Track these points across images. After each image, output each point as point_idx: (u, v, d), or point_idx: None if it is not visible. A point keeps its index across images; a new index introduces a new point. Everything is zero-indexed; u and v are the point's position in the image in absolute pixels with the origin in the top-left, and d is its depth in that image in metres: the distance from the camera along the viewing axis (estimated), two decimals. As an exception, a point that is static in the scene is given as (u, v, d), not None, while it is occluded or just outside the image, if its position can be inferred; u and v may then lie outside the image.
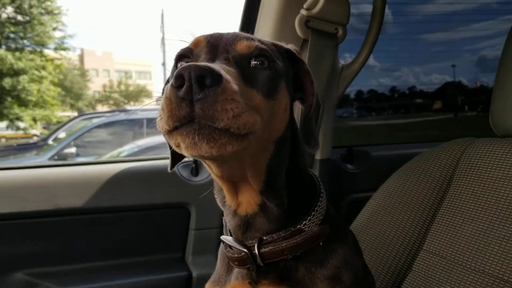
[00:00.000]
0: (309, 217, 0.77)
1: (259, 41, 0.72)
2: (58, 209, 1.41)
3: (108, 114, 8.47)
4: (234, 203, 0.78)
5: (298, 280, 0.76)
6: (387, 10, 1.40)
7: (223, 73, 0.59)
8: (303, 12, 1.28)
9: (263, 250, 0.76)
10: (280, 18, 1.31)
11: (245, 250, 0.76)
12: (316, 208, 0.79)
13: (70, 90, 26.15)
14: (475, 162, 1.17)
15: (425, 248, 1.18)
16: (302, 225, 0.77)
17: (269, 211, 0.76)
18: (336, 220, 0.84)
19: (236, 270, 0.81)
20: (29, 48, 13.64)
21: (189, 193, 1.51)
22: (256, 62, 0.69)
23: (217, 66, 0.61)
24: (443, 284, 1.07)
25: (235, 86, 0.60)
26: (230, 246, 0.80)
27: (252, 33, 1.42)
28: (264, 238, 0.76)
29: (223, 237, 0.82)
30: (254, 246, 0.76)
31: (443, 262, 1.10)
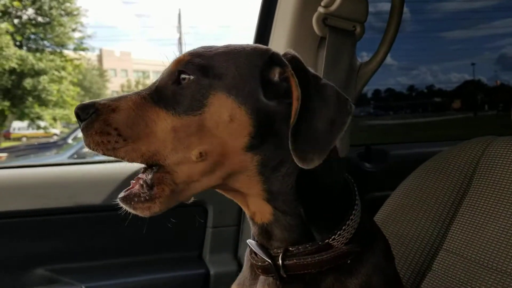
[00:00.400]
0: (339, 232, 0.73)
1: (198, 54, 0.71)
2: (78, 206, 1.43)
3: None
4: (249, 212, 0.78)
5: None
6: (404, 8, 1.38)
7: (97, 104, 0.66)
8: (320, 9, 1.27)
9: (287, 262, 0.73)
10: (297, 16, 1.31)
11: (269, 261, 0.74)
12: (347, 222, 0.74)
13: (89, 90, 26.49)
14: (496, 161, 1.15)
15: (445, 247, 1.16)
16: (330, 239, 0.72)
17: (283, 221, 0.74)
18: (370, 228, 0.80)
19: (262, 277, 0.78)
20: (49, 49, 13.86)
21: (206, 191, 1.52)
22: (177, 79, 0.70)
23: (102, 99, 0.68)
24: (463, 284, 1.06)
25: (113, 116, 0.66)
26: (255, 253, 0.78)
27: (269, 31, 1.42)
28: (290, 249, 0.73)
29: (248, 241, 0.80)
30: (278, 256, 0.74)
31: (463, 261, 1.09)
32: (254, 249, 0.77)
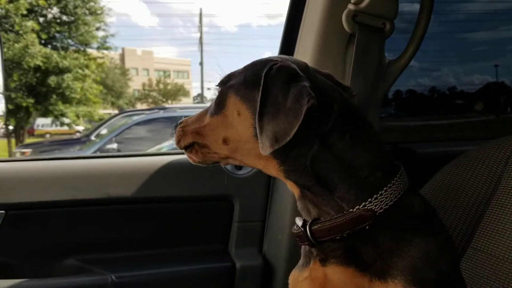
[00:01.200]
0: (364, 203, 0.81)
1: (228, 74, 0.96)
2: (108, 198, 1.46)
3: (147, 112, 8.67)
4: (289, 187, 0.92)
5: (368, 264, 0.80)
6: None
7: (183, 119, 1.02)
8: (350, 6, 1.28)
9: (313, 227, 0.84)
10: (326, 13, 1.31)
11: (301, 228, 0.86)
12: (375, 195, 0.81)
13: (112, 88, 26.86)
14: (527, 159, 1.14)
15: (472, 245, 1.16)
16: (354, 209, 0.81)
17: (310, 196, 0.86)
18: (422, 213, 0.85)
19: (314, 252, 0.88)
20: (73, 48, 14.09)
21: (232, 185, 1.54)
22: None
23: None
24: (491, 282, 1.06)
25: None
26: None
27: (298, 27, 1.43)
28: (321, 218, 0.84)
29: (297, 218, 0.92)
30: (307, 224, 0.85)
31: (491, 260, 1.08)
32: (297, 221, 0.90)
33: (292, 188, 0.90)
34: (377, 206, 0.80)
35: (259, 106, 0.80)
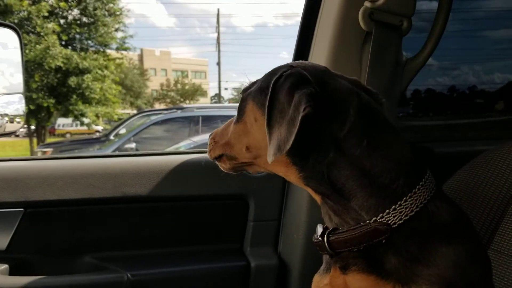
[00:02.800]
0: (381, 214, 0.78)
1: (251, 82, 0.97)
2: (124, 196, 1.47)
3: (165, 112, 8.73)
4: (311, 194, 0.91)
5: (390, 272, 0.78)
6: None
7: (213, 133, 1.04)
8: (367, 4, 1.26)
9: (331, 238, 0.84)
10: (343, 11, 1.30)
11: (320, 238, 0.86)
12: (393, 206, 0.78)
13: (130, 89, 27.16)
14: (549, 158, 1.11)
15: (492, 247, 1.13)
16: (372, 221, 0.79)
17: (330, 203, 0.85)
18: (452, 221, 0.82)
19: (333, 260, 0.87)
20: (93, 48, 14.27)
21: (248, 184, 1.54)
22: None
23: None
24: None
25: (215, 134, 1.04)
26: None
27: (314, 25, 1.41)
28: (340, 228, 0.83)
29: (319, 224, 0.91)
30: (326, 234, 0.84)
31: (512, 262, 1.06)
32: (317, 228, 0.89)
33: (313, 195, 0.89)
34: (396, 217, 0.78)
35: (267, 114, 0.80)
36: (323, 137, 0.80)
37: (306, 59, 1.46)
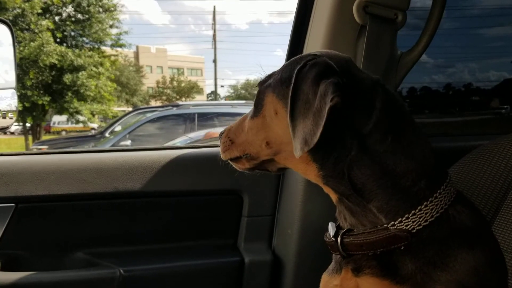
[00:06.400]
0: (400, 218, 0.76)
1: (268, 74, 0.93)
2: (117, 191, 1.46)
3: (160, 109, 8.70)
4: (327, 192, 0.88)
5: (405, 277, 0.75)
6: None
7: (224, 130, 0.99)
8: (361, -3, 1.25)
9: (345, 240, 0.81)
10: (337, 4, 1.29)
11: (333, 238, 0.84)
12: (413, 211, 0.76)
13: (126, 86, 27.08)
14: (544, 152, 1.11)
15: (487, 241, 1.13)
16: (390, 225, 0.76)
17: (347, 203, 0.81)
18: (473, 227, 0.79)
19: (345, 261, 0.84)
20: (88, 46, 14.21)
21: (242, 180, 1.53)
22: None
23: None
24: (508, 280, 1.02)
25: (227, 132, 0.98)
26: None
27: (309, 19, 1.40)
28: (354, 230, 0.81)
29: (330, 223, 0.89)
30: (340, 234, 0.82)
31: (508, 256, 1.05)
32: (330, 227, 0.87)
33: (330, 194, 0.85)
34: (415, 223, 0.75)
35: (290, 105, 0.76)
36: (347, 132, 0.77)
37: (301, 52, 1.45)
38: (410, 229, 0.75)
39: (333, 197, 0.85)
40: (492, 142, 1.26)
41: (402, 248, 0.75)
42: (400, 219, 0.75)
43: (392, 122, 0.78)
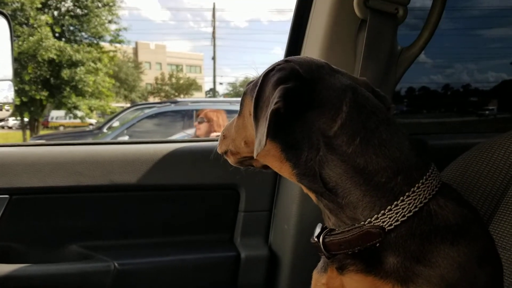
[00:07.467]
0: (376, 215, 0.76)
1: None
2: (112, 184, 1.45)
3: (158, 105, 8.69)
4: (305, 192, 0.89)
5: (388, 272, 0.75)
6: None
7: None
8: (362, -9, 1.24)
9: (326, 240, 0.82)
10: (338, -3, 1.28)
11: (316, 239, 0.85)
12: (389, 207, 0.76)
13: (125, 82, 27.04)
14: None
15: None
16: (367, 222, 0.76)
17: (325, 202, 0.83)
18: (457, 221, 0.77)
19: (329, 260, 0.85)
20: (87, 41, 14.15)
21: (239, 175, 1.52)
22: None
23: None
24: (505, 277, 1.02)
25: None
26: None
27: (308, 13, 1.39)
28: (335, 229, 0.81)
29: (319, 224, 0.89)
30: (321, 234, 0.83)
31: (506, 254, 1.04)
32: (316, 228, 0.88)
33: (308, 193, 0.87)
34: (392, 218, 0.75)
35: (253, 107, 0.79)
36: (313, 134, 0.79)
37: (300, 47, 1.44)
38: (386, 225, 0.75)
39: (312, 196, 0.86)
40: (491, 140, 1.25)
41: (378, 245, 0.75)
42: (376, 215, 0.76)
43: (360, 124, 0.79)
